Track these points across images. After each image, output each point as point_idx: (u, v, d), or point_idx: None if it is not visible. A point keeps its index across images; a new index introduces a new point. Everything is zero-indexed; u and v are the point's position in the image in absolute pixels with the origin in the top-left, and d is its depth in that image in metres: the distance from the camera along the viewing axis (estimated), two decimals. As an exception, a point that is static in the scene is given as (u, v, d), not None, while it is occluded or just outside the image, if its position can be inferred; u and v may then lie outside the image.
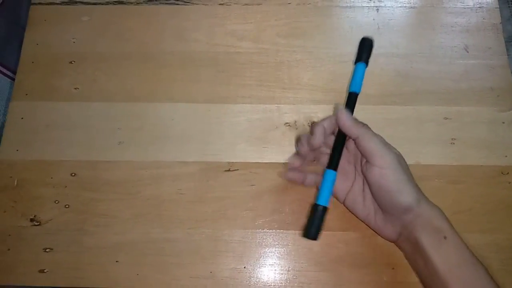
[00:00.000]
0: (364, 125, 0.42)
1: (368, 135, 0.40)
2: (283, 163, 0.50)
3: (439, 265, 0.37)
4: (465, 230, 0.47)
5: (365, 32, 0.57)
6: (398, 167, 0.39)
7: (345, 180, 0.45)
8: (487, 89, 0.54)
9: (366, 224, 0.44)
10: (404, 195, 0.39)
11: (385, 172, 0.39)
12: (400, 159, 0.41)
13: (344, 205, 0.45)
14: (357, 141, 0.41)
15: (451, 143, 0.51)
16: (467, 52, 0.56)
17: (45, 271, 0.47)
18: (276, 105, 0.54)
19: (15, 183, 0.50)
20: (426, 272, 0.39)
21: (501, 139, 0.51)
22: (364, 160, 0.41)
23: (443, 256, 0.37)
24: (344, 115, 0.41)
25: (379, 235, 0.43)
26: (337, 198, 0.46)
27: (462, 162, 0.51)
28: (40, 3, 0.60)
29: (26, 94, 0.55)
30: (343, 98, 0.53)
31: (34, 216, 0.49)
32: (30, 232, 0.48)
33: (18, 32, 0.62)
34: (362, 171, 0.43)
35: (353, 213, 0.45)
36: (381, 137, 0.42)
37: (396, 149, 0.42)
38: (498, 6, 0.59)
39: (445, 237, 0.38)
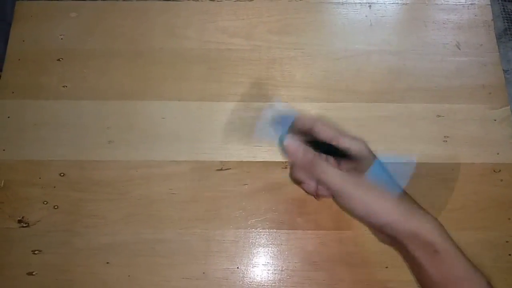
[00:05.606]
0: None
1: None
2: (277, 162, 0.50)
3: (435, 277, 0.35)
4: (457, 227, 0.48)
5: (357, 28, 0.57)
6: (358, 188, 0.35)
7: None
8: (479, 86, 0.54)
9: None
10: (375, 217, 0.35)
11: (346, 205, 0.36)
12: (357, 180, 0.36)
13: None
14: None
15: (444, 141, 0.51)
16: (459, 49, 0.56)
17: (33, 273, 0.46)
18: (269, 103, 0.53)
19: (2, 184, 0.49)
20: (423, 279, 0.36)
21: (493, 137, 0.52)
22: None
23: (438, 269, 0.35)
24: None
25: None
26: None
27: (455, 160, 0.51)
28: (26, -1, 0.58)
29: (13, 92, 0.53)
30: (336, 95, 0.53)
31: (22, 217, 0.48)
32: (18, 234, 0.47)
33: (4, 28, 0.60)
34: None
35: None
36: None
37: (369, 154, 0.38)
38: (489, 3, 0.59)
39: (435, 251, 0.34)
